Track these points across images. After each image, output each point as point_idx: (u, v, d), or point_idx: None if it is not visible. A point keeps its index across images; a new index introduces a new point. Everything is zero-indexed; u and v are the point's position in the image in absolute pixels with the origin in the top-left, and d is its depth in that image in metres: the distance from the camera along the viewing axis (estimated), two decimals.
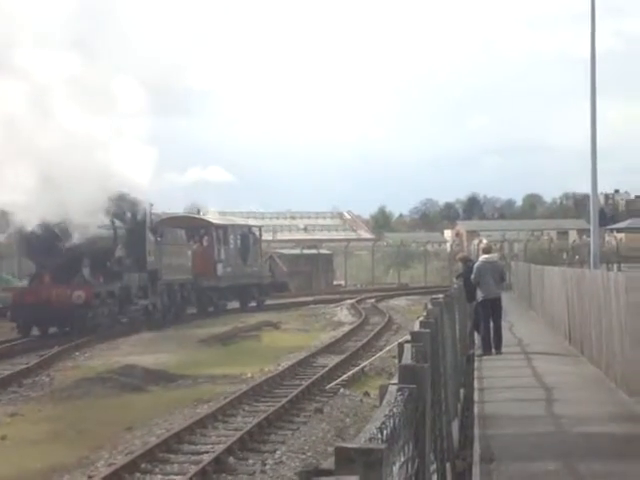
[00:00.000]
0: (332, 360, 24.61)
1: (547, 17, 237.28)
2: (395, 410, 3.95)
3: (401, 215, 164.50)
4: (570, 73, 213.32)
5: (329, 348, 27.92)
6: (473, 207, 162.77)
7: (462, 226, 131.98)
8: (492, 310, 20.48)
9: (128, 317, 34.81)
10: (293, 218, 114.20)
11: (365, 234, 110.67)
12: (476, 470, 9.78)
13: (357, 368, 21.92)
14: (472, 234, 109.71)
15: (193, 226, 44.39)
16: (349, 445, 2.93)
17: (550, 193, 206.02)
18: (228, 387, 20.74)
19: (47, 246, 31.76)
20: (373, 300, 49.82)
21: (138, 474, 13.29)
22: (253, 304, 47.75)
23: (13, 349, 28.01)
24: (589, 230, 39.85)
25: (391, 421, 3.68)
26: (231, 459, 14.03)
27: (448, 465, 9.15)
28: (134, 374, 22.06)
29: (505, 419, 12.51)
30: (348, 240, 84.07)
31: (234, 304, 46.34)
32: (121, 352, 27.45)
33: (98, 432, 16.15)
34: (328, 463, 2.91)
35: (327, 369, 22.42)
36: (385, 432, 3.46)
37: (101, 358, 26.18)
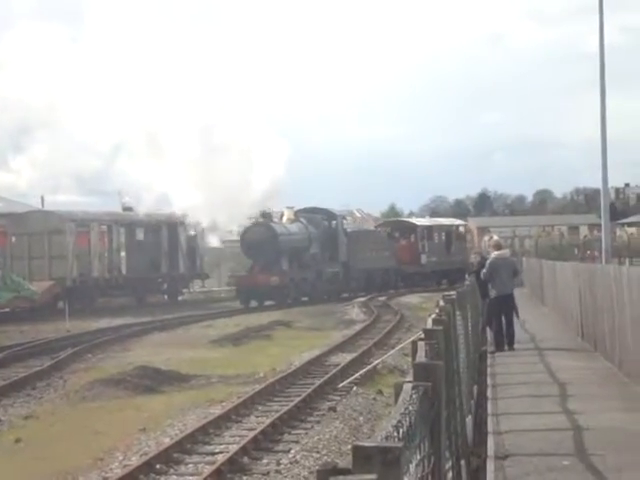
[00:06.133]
0: (344, 358, 24.60)
1: (555, 11, 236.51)
2: (411, 408, 3.96)
3: (411, 212, 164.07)
4: (579, 68, 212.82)
5: (341, 346, 27.91)
6: (483, 203, 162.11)
7: (472, 222, 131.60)
8: (505, 306, 20.43)
9: (322, 294, 49.65)
10: None
11: None
12: (490, 466, 9.77)
13: (370, 366, 21.90)
14: (483, 230, 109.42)
15: (402, 227, 63.38)
16: (367, 444, 2.93)
17: (561, 188, 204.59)
18: (241, 387, 20.75)
19: (258, 247, 46.46)
20: (384, 298, 49.82)
21: (153, 475, 13.31)
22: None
23: (25, 352, 28.07)
24: (600, 225, 39.79)
25: (407, 419, 3.68)
26: (245, 459, 14.05)
27: (463, 462, 9.15)
28: (147, 375, 22.07)
29: (518, 415, 12.50)
30: None
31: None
32: (134, 354, 27.48)
33: (112, 434, 16.17)
34: (346, 462, 2.91)
35: (340, 367, 22.41)
36: (401, 430, 3.47)
37: (114, 360, 26.20)
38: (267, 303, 47.34)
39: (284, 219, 50.27)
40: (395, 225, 64.91)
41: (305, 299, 49.26)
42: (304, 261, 49.85)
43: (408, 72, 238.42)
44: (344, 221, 55.03)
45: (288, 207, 51.07)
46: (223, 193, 46.01)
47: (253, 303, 47.72)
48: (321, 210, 53.64)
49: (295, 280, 48.34)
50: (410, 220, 66.99)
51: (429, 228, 63.40)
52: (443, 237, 63.90)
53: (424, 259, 60.53)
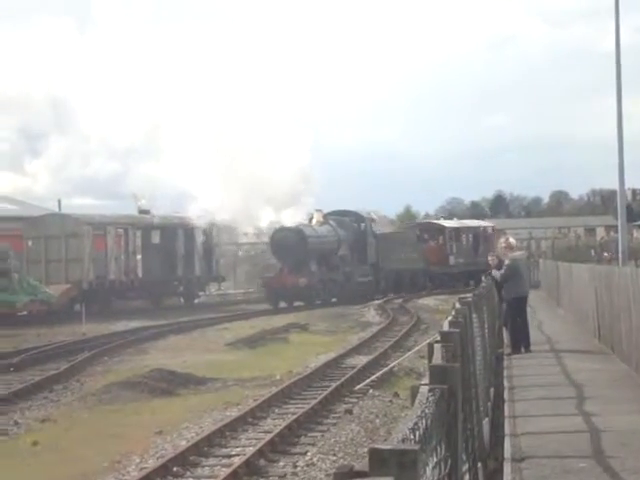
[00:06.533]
0: (361, 361, 24.59)
1: (568, 11, 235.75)
2: (427, 410, 3.95)
3: (427, 214, 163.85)
4: (595, 68, 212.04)
5: (358, 349, 27.89)
6: (499, 205, 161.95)
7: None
8: (521, 308, 20.37)
9: (353, 294, 49.83)
10: None
11: None
12: (507, 469, 9.74)
13: (386, 369, 21.89)
14: (499, 232, 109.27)
15: (430, 228, 64.75)
16: (383, 446, 2.92)
17: (577, 190, 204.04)
18: (257, 390, 20.75)
19: (287, 249, 47.73)
20: (401, 300, 49.77)
21: (170, 478, 13.33)
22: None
23: (42, 355, 28.12)
24: (617, 226, 39.64)
25: (423, 422, 3.67)
26: (262, 461, 14.05)
27: (480, 464, 9.12)
28: (163, 378, 22.10)
29: (535, 417, 12.46)
30: None
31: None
32: (150, 356, 27.52)
33: (129, 436, 16.20)
34: (362, 464, 2.90)
35: (356, 370, 22.39)
36: (418, 433, 3.46)
37: (130, 362, 26.25)
38: (295, 304, 48.56)
39: (313, 222, 51.30)
40: (423, 227, 66.53)
41: (334, 300, 49.93)
42: (333, 263, 51.24)
43: (414, 74, 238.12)
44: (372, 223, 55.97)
45: (317, 210, 52.11)
46: (240, 196, 46.21)
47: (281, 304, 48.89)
48: (350, 212, 55.21)
49: (324, 281, 49.69)
50: (438, 222, 68.75)
51: (457, 230, 65.09)
52: (471, 238, 65.53)
53: (452, 260, 62.39)
